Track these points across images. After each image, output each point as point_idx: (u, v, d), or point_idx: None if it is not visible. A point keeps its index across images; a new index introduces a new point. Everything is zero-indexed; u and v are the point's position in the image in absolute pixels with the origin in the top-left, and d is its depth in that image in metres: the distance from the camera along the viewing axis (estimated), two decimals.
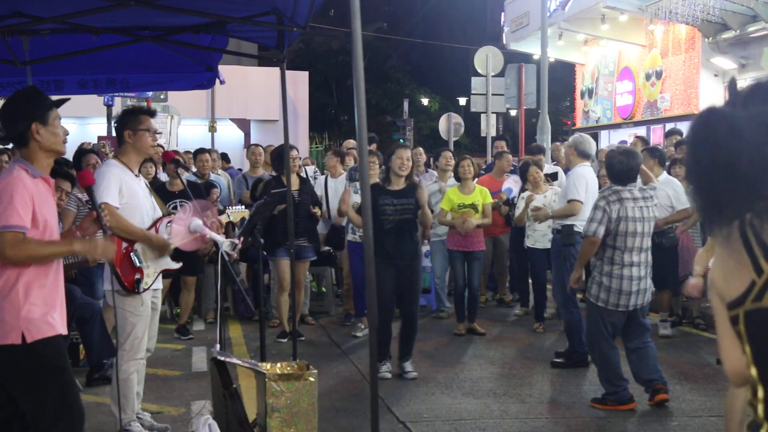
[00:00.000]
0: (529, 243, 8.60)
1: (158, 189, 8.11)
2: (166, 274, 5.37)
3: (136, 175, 5.13)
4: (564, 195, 7.37)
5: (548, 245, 8.31)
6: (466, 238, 8.44)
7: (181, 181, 8.16)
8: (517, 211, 8.65)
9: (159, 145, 10.94)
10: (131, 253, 4.95)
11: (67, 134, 3.90)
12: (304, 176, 9.05)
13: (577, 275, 6.19)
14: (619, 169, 5.88)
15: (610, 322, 5.95)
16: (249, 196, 9.15)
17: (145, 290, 5.01)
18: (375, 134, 9.45)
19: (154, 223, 5.11)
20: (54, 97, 3.81)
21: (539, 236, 8.42)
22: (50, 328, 3.54)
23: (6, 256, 3.44)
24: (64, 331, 3.66)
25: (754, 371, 1.70)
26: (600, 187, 7.32)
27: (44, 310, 3.53)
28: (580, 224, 7.29)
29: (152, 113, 5.24)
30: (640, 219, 5.87)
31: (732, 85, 1.80)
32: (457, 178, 8.65)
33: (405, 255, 6.83)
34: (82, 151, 8.00)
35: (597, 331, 5.97)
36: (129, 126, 5.06)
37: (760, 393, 1.69)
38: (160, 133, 5.28)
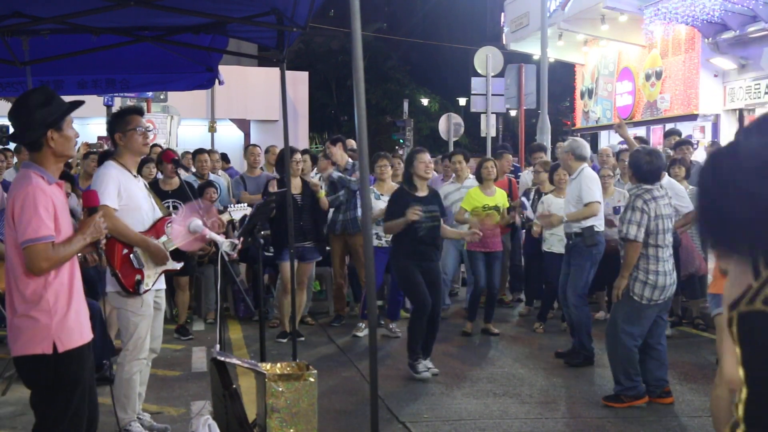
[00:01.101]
0: (545, 247, 8.57)
1: (151, 187, 8.10)
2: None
3: (134, 176, 5.12)
4: (577, 198, 7.31)
5: (563, 250, 8.29)
6: (487, 239, 8.46)
7: (179, 179, 8.17)
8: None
9: (157, 145, 10.99)
10: (131, 255, 4.95)
11: (78, 136, 3.84)
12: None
13: (625, 283, 5.95)
14: (647, 169, 5.95)
15: (650, 315, 6.01)
16: (249, 196, 9.17)
17: (146, 291, 5.00)
18: (342, 135, 9.46)
19: (155, 224, 5.10)
20: (67, 98, 3.72)
21: (555, 241, 8.40)
22: (80, 338, 3.56)
23: (42, 268, 3.42)
24: (89, 336, 3.66)
25: (741, 372, 1.71)
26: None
27: (75, 317, 3.54)
28: (599, 224, 7.33)
29: (140, 111, 5.22)
30: (668, 216, 5.99)
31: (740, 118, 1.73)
32: (479, 179, 8.69)
33: (433, 258, 7.01)
34: (108, 153, 7.98)
35: (634, 328, 5.97)
36: (118, 129, 5.05)
37: (743, 394, 1.71)
38: (151, 129, 5.25)
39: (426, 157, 7.04)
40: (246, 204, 6.28)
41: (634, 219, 5.83)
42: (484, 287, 8.62)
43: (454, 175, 9.63)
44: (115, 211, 4.85)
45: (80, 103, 3.74)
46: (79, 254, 3.83)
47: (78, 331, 3.55)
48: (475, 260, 8.58)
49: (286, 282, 8.12)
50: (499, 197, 8.55)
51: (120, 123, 5.07)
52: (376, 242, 8.33)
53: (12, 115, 3.62)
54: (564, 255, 7.66)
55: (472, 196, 8.53)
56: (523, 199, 9.17)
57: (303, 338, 8.16)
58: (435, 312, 6.99)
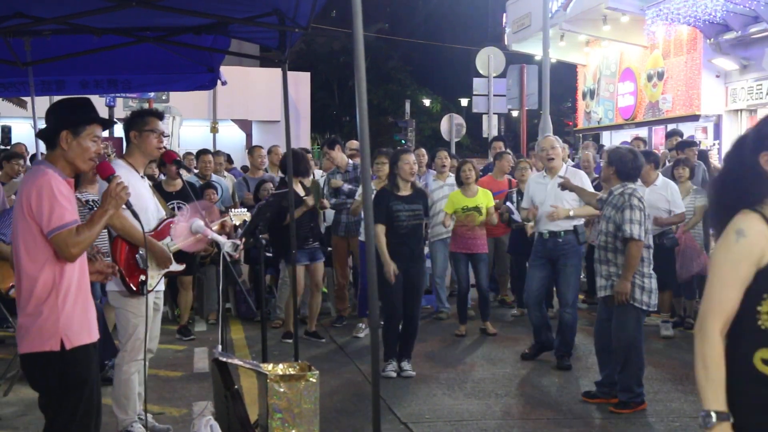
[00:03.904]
0: None
1: (155, 188, 8.12)
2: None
3: (141, 177, 5.12)
4: (573, 197, 7.21)
5: None
6: (470, 240, 8.45)
7: (181, 180, 8.17)
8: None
9: None
10: (136, 255, 4.94)
11: (100, 153, 3.81)
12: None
13: (629, 286, 5.79)
14: (632, 166, 5.94)
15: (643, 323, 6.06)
16: (252, 197, 9.17)
17: (149, 291, 5.00)
18: (338, 136, 9.49)
19: (159, 225, 5.10)
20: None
21: None
22: (87, 336, 3.56)
23: (73, 254, 3.44)
24: (97, 335, 3.67)
25: None
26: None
27: (83, 314, 3.55)
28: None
29: (160, 115, 5.23)
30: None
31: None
32: (459, 182, 8.64)
33: (414, 258, 6.93)
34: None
35: (640, 337, 5.96)
36: (135, 127, 5.06)
37: None
38: (167, 135, 5.27)
39: (410, 158, 6.99)
40: (246, 209, 6.28)
41: (635, 218, 5.75)
42: (467, 288, 8.61)
43: (435, 171, 9.63)
44: (123, 209, 4.84)
45: (111, 122, 3.83)
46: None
47: (86, 329, 3.55)
48: (458, 262, 8.59)
49: (320, 282, 8.29)
50: (481, 198, 8.47)
51: (138, 122, 5.08)
52: (363, 237, 8.35)
53: (47, 112, 3.71)
54: (536, 255, 7.31)
55: (452, 199, 8.53)
56: (508, 204, 9.14)
57: (324, 339, 8.26)
58: (412, 314, 6.96)
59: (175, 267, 5.23)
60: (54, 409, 3.51)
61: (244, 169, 11.88)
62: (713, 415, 2.38)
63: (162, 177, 8.77)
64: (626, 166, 5.91)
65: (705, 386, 2.41)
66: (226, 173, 10.70)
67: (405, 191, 6.94)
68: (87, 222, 3.55)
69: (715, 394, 2.39)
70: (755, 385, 2.40)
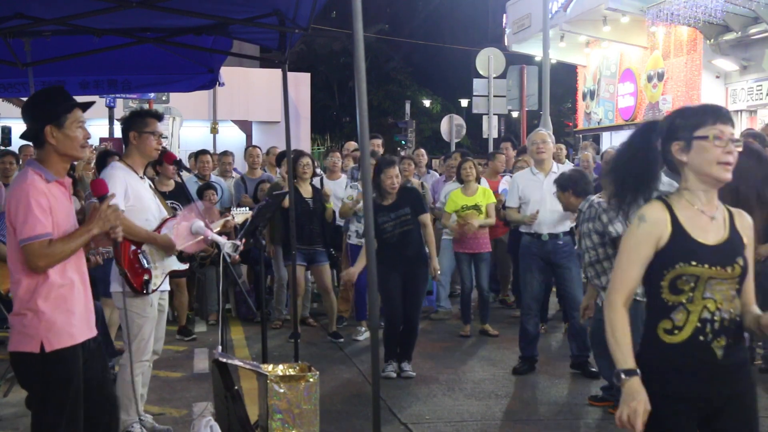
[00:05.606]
0: None
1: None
2: None
3: (141, 177, 5.12)
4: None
5: None
6: (472, 240, 8.46)
7: (176, 182, 8.17)
8: None
9: None
10: (139, 254, 4.95)
11: (88, 138, 3.76)
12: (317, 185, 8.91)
13: None
14: (583, 183, 6.29)
15: None
16: (250, 200, 9.15)
17: (153, 291, 5.00)
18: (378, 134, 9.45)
19: (160, 225, 5.10)
20: (80, 99, 3.66)
21: None
22: (70, 338, 3.52)
23: (39, 266, 3.41)
24: (88, 334, 3.63)
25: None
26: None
27: (66, 316, 3.51)
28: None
29: (159, 116, 5.22)
30: None
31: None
32: (460, 180, 8.67)
33: (409, 263, 6.86)
34: (107, 153, 7.96)
35: (635, 336, 5.94)
36: (134, 128, 5.06)
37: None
38: (166, 137, 5.28)
39: (393, 171, 6.80)
40: (247, 208, 6.27)
41: (613, 217, 5.82)
42: (470, 288, 8.61)
43: (437, 175, 9.65)
44: (122, 212, 4.85)
45: (90, 104, 3.69)
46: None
47: (67, 332, 3.50)
48: (460, 262, 8.61)
49: (328, 285, 8.40)
50: (480, 196, 8.50)
51: (138, 123, 5.07)
52: (355, 240, 8.32)
53: (22, 111, 3.65)
54: (533, 258, 7.16)
55: (452, 199, 8.56)
56: (504, 182, 9.19)
57: (342, 339, 8.25)
58: (411, 317, 6.91)
59: (181, 266, 5.24)
60: (39, 408, 3.51)
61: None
62: (622, 374, 2.76)
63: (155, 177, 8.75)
64: (579, 185, 6.23)
65: (615, 350, 2.81)
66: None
67: (390, 200, 6.88)
68: (66, 236, 3.47)
69: (623, 356, 2.79)
70: (659, 350, 2.84)
